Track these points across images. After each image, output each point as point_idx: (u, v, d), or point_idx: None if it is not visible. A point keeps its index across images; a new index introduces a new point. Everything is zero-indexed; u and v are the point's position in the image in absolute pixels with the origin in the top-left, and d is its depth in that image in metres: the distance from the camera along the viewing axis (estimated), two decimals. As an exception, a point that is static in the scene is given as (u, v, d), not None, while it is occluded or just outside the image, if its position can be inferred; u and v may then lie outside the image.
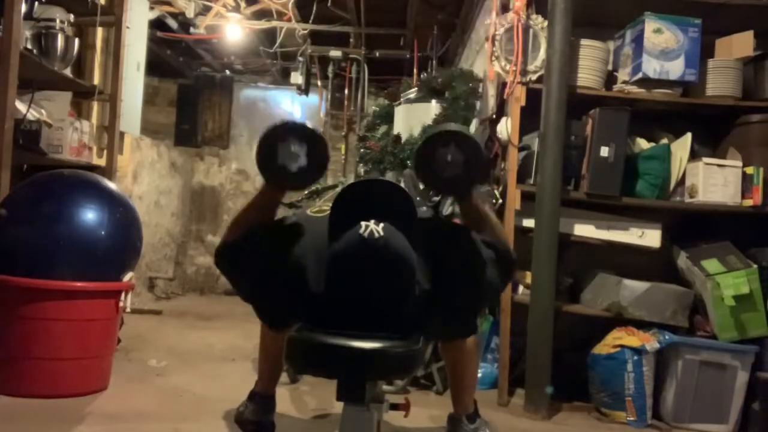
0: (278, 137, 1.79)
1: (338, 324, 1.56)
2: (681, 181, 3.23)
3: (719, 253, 3.08)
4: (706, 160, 3.13)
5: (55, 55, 3.30)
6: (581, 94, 3.20)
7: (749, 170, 3.09)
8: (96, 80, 3.91)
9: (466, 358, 2.19)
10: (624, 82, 3.26)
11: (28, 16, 3.25)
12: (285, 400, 2.96)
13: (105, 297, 2.80)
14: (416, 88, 4.21)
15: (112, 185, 3.03)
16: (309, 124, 1.86)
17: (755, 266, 2.97)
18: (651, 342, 2.93)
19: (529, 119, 3.14)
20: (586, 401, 3.14)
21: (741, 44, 3.22)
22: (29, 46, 3.21)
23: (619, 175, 3.11)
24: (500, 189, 3.36)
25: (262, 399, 2.27)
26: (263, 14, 5.37)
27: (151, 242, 5.82)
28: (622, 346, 2.95)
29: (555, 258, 3.02)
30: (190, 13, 5.01)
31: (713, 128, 3.39)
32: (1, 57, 2.81)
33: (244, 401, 2.30)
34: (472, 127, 3.93)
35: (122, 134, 4.03)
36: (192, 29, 5.44)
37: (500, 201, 3.33)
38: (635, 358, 2.92)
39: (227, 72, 7.18)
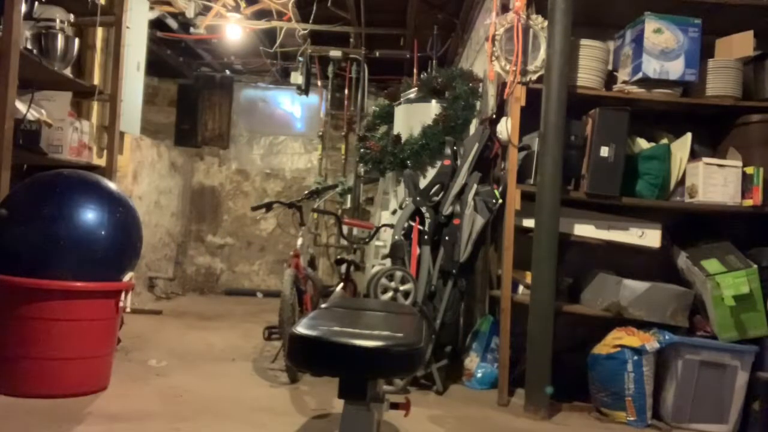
0: None
1: None
2: (681, 181, 3.22)
3: (719, 253, 3.08)
4: (706, 160, 3.13)
5: (55, 55, 3.30)
6: (581, 94, 3.20)
7: (749, 170, 3.09)
8: (96, 80, 3.91)
9: None
10: (624, 82, 3.26)
11: (28, 16, 3.25)
12: (285, 400, 2.97)
13: (105, 297, 2.80)
14: (416, 88, 4.21)
15: (112, 185, 3.03)
16: None
17: (755, 266, 2.97)
18: (651, 342, 2.93)
19: (529, 119, 3.14)
20: (586, 401, 3.14)
21: (741, 44, 3.22)
22: (29, 46, 3.21)
23: (619, 175, 3.11)
24: (500, 189, 3.37)
25: None
26: (263, 14, 5.38)
27: (151, 242, 5.81)
28: (622, 346, 2.95)
29: (555, 258, 3.02)
30: (190, 13, 5.02)
31: (713, 128, 3.39)
32: (1, 57, 2.81)
33: None
34: (472, 127, 3.93)
35: (122, 134, 4.03)
36: (192, 29, 5.45)
37: (500, 201, 3.33)
38: (635, 358, 2.92)
39: (227, 72, 7.19)
